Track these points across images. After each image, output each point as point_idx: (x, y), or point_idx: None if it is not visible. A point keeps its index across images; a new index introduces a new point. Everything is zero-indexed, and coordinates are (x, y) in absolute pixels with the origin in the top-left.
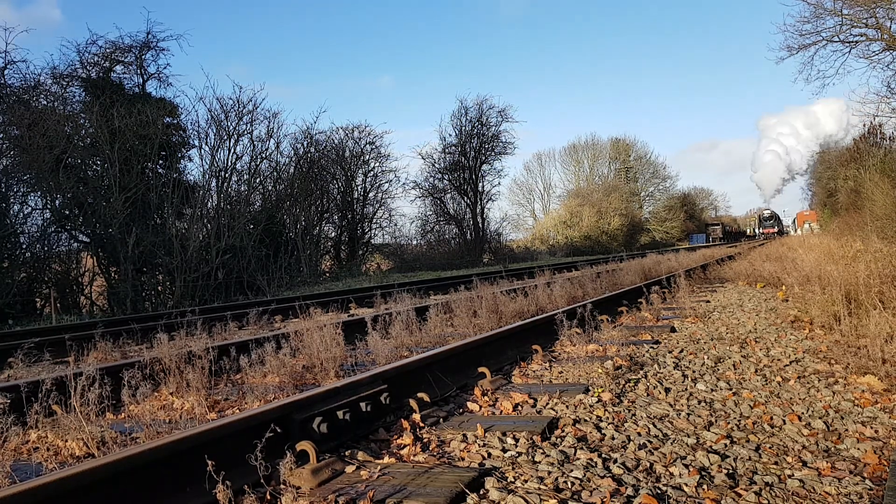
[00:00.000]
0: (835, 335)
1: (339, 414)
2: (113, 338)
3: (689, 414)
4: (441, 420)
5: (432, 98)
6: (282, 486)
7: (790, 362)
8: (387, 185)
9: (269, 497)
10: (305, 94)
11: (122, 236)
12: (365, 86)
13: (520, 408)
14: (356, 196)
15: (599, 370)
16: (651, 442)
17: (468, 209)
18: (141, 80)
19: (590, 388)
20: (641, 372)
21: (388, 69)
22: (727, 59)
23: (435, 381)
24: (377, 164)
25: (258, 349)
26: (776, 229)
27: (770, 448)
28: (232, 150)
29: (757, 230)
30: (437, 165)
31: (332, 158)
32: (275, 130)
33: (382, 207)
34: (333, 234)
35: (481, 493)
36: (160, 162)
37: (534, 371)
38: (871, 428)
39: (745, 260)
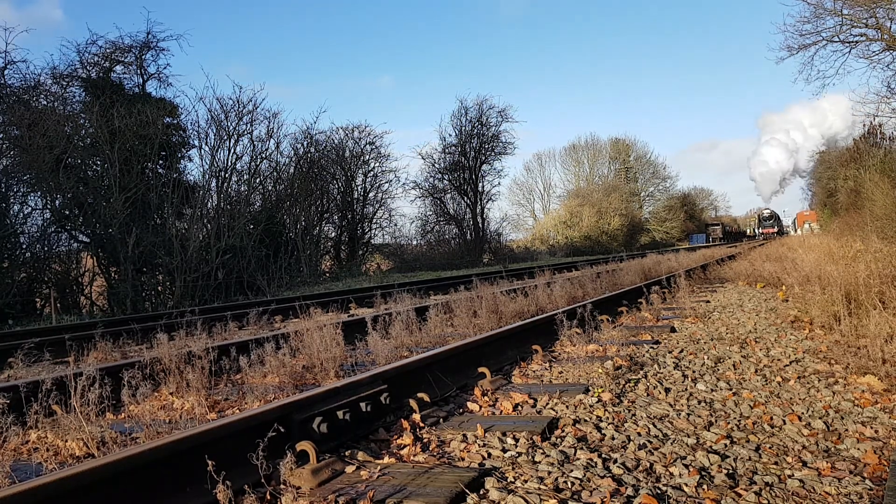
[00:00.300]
0: (835, 335)
1: (339, 414)
2: (113, 338)
3: (689, 414)
4: (441, 420)
5: (432, 98)
6: (282, 486)
7: (790, 362)
8: (387, 185)
9: (269, 497)
10: (305, 94)
11: (122, 236)
12: (365, 86)
13: (520, 408)
14: (356, 196)
15: (599, 370)
16: (651, 442)
17: (468, 209)
18: (141, 80)
19: (590, 388)
20: (641, 372)
21: (388, 69)
22: (727, 59)
23: (435, 381)
24: (377, 164)
25: (258, 349)
26: (776, 229)
27: (770, 448)
28: (232, 150)
29: (757, 230)
30: (437, 165)
31: (332, 158)
32: (275, 130)
33: (382, 207)
34: (333, 235)
35: (481, 493)
36: (160, 162)
37: (534, 371)
38: (871, 428)
39: (745, 260)
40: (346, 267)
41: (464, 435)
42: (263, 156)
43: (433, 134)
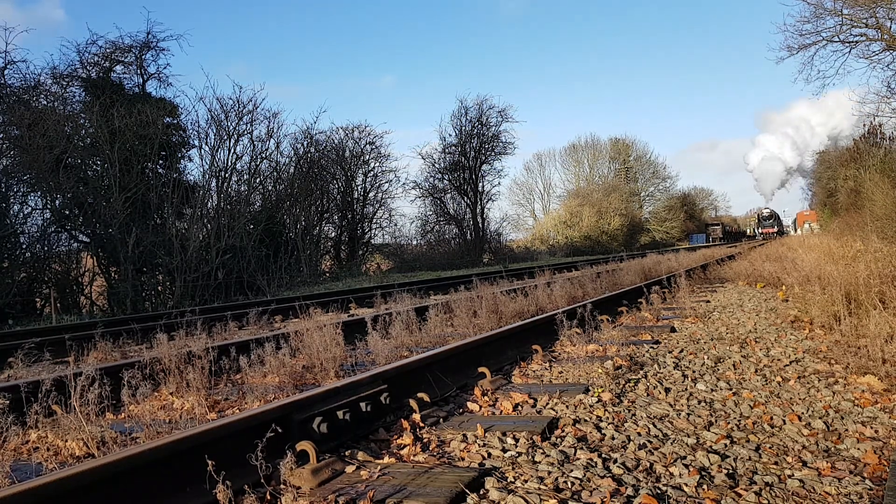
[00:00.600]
0: (835, 335)
1: (339, 414)
2: (113, 338)
3: (689, 414)
4: (441, 420)
5: (432, 98)
6: (282, 486)
7: (790, 362)
8: (387, 185)
9: (269, 497)
10: (305, 94)
11: (122, 236)
12: (365, 85)
13: (520, 408)
14: (356, 196)
15: (599, 370)
16: (651, 442)
17: (468, 209)
18: (141, 80)
19: (590, 388)
20: (641, 372)
21: (389, 69)
22: (727, 59)
23: (435, 381)
24: (377, 164)
25: (258, 349)
26: (776, 229)
27: (770, 448)
28: (232, 150)
29: (756, 230)
30: (437, 165)
31: (332, 158)
32: (275, 130)
33: (382, 207)
34: (333, 234)
35: (481, 493)
36: (160, 162)
37: (534, 371)
38: (871, 428)
39: (745, 260)
40: (346, 267)
41: (464, 435)
42: (263, 156)
43: (433, 134)
